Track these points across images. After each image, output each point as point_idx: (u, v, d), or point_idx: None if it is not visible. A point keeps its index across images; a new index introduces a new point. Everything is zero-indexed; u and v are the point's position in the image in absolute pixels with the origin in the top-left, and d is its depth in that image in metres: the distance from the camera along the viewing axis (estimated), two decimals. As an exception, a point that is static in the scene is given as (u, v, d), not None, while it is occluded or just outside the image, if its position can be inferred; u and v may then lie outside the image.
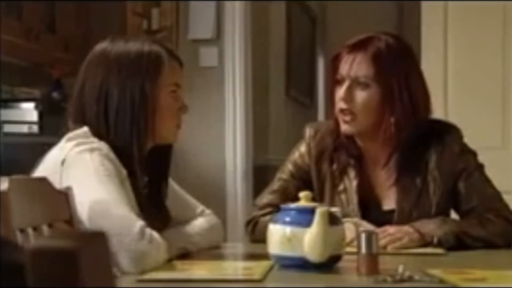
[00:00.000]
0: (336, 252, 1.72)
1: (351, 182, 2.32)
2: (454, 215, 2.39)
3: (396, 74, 2.23)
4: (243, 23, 4.62)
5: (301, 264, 1.69)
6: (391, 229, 2.17)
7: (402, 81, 2.24)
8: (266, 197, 2.41)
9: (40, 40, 4.06)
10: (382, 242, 2.11)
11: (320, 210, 1.68)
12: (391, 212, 2.29)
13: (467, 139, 2.37)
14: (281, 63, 6.22)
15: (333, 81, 2.29)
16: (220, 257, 1.98)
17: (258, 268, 1.68)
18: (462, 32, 4.37)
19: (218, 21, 4.62)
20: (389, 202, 2.31)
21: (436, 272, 1.63)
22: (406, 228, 2.18)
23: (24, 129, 4.01)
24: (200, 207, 2.28)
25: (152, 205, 2.05)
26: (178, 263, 1.79)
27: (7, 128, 3.93)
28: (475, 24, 4.34)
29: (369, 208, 2.31)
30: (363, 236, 1.70)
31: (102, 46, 2.05)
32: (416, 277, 1.58)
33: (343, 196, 2.33)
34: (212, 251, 2.10)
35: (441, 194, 2.28)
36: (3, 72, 4.12)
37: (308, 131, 2.41)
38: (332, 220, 1.73)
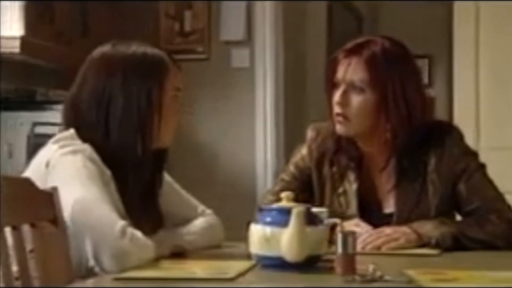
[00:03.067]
0: (315, 252, 1.73)
1: (351, 185, 2.33)
2: (459, 218, 2.38)
3: (391, 78, 2.23)
4: (274, 23, 4.65)
5: (280, 264, 1.71)
6: (387, 229, 2.18)
7: (398, 86, 2.24)
8: (267, 198, 2.43)
9: (72, 44, 4.15)
10: (377, 242, 2.13)
11: (296, 211, 1.71)
12: (392, 215, 2.29)
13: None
14: (321, 64, 6.21)
15: (331, 85, 2.30)
16: (212, 256, 2.00)
17: (238, 267, 1.71)
18: (494, 32, 4.33)
19: (249, 22, 4.65)
20: (389, 206, 2.32)
21: (412, 272, 1.64)
22: (404, 228, 2.18)
23: (57, 130, 4.09)
24: (200, 207, 2.30)
25: (143, 206, 2.08)
26: (164, 262, 1.83)
27: (40, 129, 4.01)
28: (507, 24, 4.30)
29: (370, 211, 2.32)
30: (339, 236, 1.71)
31: (102, 50, 2.08)
32: (387, 277, 1.59)
33: (342, 199, 2.34)
34: (209, 250, 2.13)
35: (441, 197, 2.27)
36: (38, 75, 4.23)
37: (310, 133, 2.43)
38: (311, 220, 1.74)
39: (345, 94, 2.25)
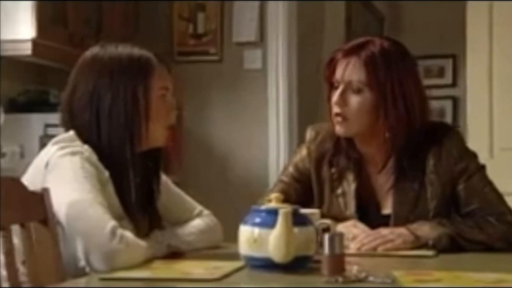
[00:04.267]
0: (303, 253, 1.74)
1: (349, 185, 2.33)
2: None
3: (390, 79, 2.23)
4: (287, 24, 4.65)
5: (268, 265, 1.72)
6: (384, 231, 2.17)
7: (397, 86, 2.23)
8: (266, 199, 2.43)
9: (85, 46, 4.17)
10: (372, 243, 2.12)
11: (282, 211, 1.71)
12: (390, 216, 2.29)
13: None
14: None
15: (330, 85, 2.30)
16: (206, 257, 2.01)
17: (226, 268, 1.72)
18: (508, 32, 4.30)
19: (262, 23, 4.67)
20: (387, 206, 2.31)
21: (398, 273, 1.64)
22: (401, 230, 2.17)
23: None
24: (198, 208, 2.31)
25: (142, 206, 2.10)
26: (155, 262, 1.84)
27: (52, 131, 4.05)
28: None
29: (368, 213, 2.31)
30: (325, 237, 1.71)
31: (93, 51, 2.12)
32: (371, 278, 1.59)
33: (341, 200, 2.33)
34: (207, 251, 2.14)
35: (439, 198, 2.26)
36: (51, 76, 4.27)
37: (309, 134, 2.43)
38: (298, 221, 1.75)
39: (343, 94, 2.25)
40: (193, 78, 4.81)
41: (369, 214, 2.31)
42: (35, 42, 3.78)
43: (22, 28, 3.79)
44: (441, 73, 8.38)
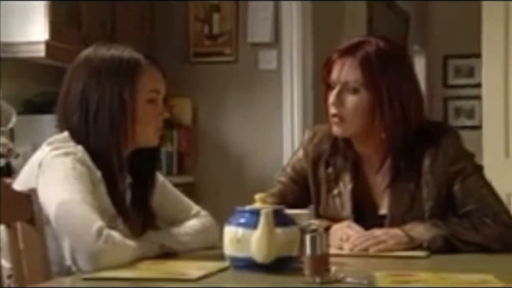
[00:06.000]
0: (286, 253, 1.74)
1: (346, 186, 2.32)
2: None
3: (385, 78, 2.22)
4: (301, 25, 4.66)
5: (250, 265, 1.72)
6: (377, 231, 2.16)
7: (392, 86, 2.23)
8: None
9: (99, 47, 4.20)
10: (364, 244, 2.12)
11: (264, 212, 1.72)
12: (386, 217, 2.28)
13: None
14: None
15: (326, 86, 2.30)
16: (199, 257, 2.01)
17: (210, 268, 1.74)
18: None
19: (276, 23, 4.68)
20: (384, 207, 2.30)
21: (380, 274, 1.64)
22: (395, 231, 2.16)
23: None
24: (195, 208, 2.32)
25: (135, 206, 2.12)
26: (143, 262, 1.85)
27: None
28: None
29: (365, 213, 2.31)
30: (307, 237, 1.71)
31: (86, 53, 2.13)
32: (349, 279, 1.59)
33: (338, 200, 2.33)
34: (201, 252, 2.14)
35: (435, 199, 2.24)
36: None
37: (307, 135, 2.44)
38: (281, 221, 1.75)
39: (340, 94, 2.25)
40: (208, 78, 4.84)
41: (366, 215, 2.30)
42: (48, 44, 3.83)
43: (36, 30, 3.83)
44: (470, 72, 8.33)
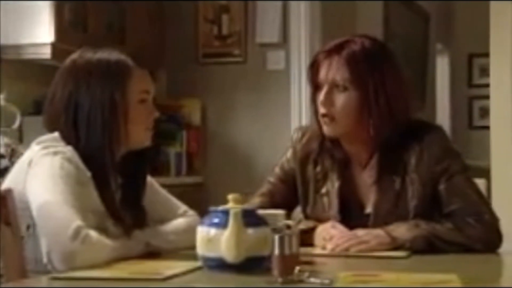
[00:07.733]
0: (256, 253, 1.75)
1: (333, 185, 2.33)
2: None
3: (372, 76, 2.23)
4: (310, 25, 4.66)
5: (221, 265, 1.73)
6: (360, 232, 2.17)
7: (378, 84, 2.23)
8: (255, 200, 2.45)
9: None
10: (345, 245, 2.13)
11: (233, 212, 1.73)
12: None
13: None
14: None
15: (314, 86, 2.32)
16: (183, 257, 2.01)
17: (181, 267, 1.75)
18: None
19: (285, 24, 4.69)
20: (370, 206, 2.31)
21: (344, 274, 1.65)
22: (377, 231, 2.17)
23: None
24: (182, 208, 2.34)
25: (127, 206, 2.14)
26: (120, 262, 1.86)
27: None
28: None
29: (351, 212, 2.31)
30: (275, 237, 1.72)
31: (72, 57, 2.17)
32: (311, 279, 1.59)
33: (325, 199, 2.34)
34: (187, 251, 2.15)
35: (420, 198, 2.24)
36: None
37: (295, 135, 2.45)
38: (252, 221, 1.76)
39: (328, 94, 2.26)
40: (217, 79, 4.86)
41: (352, 214, 2.31)
42: (54, 46, 3.87)
43: (42, 32, 3.88)
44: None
